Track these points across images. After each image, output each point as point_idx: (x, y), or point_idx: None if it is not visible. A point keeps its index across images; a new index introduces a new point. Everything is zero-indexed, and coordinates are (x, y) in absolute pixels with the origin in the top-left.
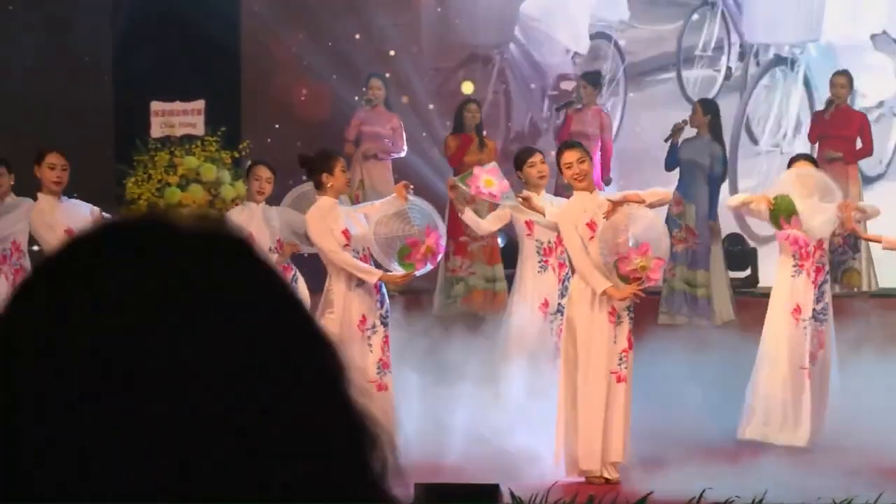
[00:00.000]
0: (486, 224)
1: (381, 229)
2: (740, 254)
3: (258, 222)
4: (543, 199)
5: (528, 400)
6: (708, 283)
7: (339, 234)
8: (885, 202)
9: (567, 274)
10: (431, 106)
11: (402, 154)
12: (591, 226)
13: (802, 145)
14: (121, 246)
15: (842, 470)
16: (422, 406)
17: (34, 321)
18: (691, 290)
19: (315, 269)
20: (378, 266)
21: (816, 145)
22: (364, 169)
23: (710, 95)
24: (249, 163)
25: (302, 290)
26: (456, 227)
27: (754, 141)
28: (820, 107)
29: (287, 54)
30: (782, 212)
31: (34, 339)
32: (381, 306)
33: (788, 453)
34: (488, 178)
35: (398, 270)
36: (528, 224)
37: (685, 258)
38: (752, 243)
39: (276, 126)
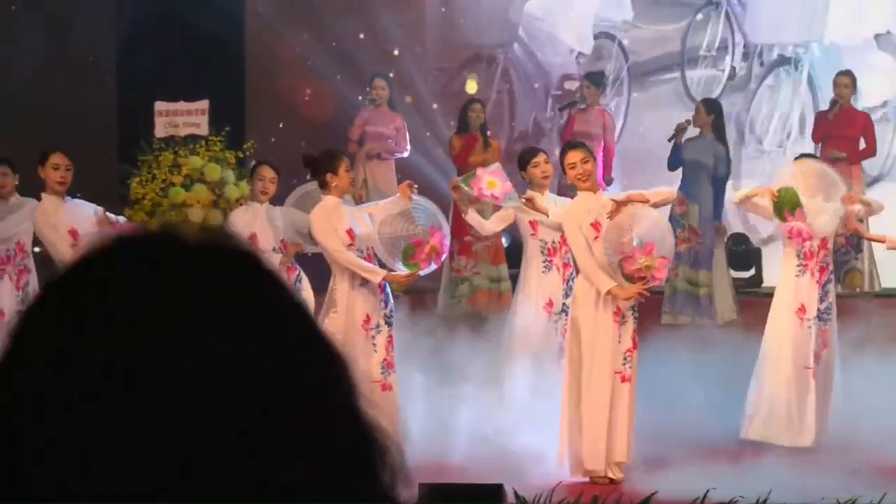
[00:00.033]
0: (489, 225)
1: (386, 229)
2: (744, 254)
3: (262, 222)
4: (547, 199)
5: (532, 400)
6: (710, 283)
7: (344, 233)
8: (887, 202)
9: (571, 274)
10: (435, 105)
11: (406, 154)
12: (596, 226)
13: (806, 146)
14: (133, 260)
15: (845, 470)
16: (426, 406)
17: (47, 333)
18: (693, 289)
19: (319, 268)
20: (382, 266)
21: (820, 145)
22: (367, 169)
23: (714, 95)
24: (253, 163)
25: (306, 289)
26: (460, 227)
27: (758, 141)
28: (824, 107)
29: (291, 54)
30: (786, 204)
31: (46, 351)
32: (385, 306)
33: (792, 453)
34: (491, 180)
35: (402, 270)
36: (532, 224)
37: (688, 258)
38: (756, 243)
39: (280, 125)
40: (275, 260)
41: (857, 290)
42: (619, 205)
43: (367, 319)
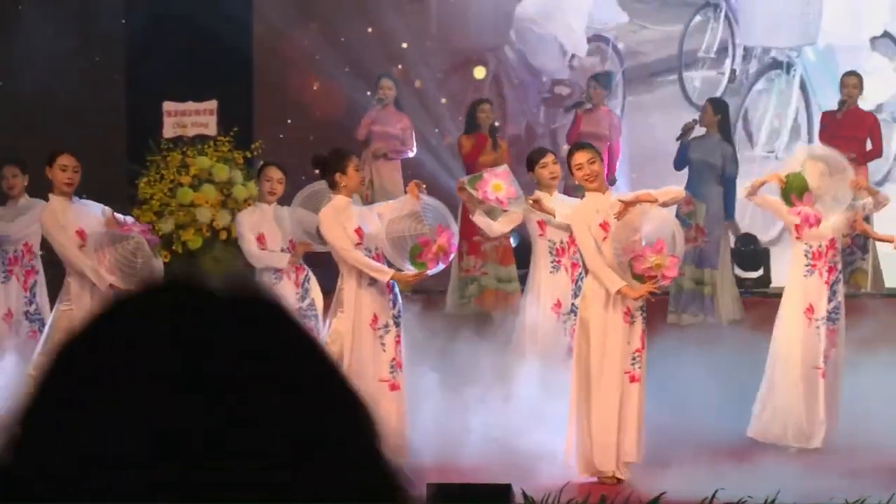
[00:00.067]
0: (497, 226)
1: (393, 228)
2: (752, 254)
3: (270, 223)
4: (556, 199)
5: (540, 400)
6: (714, 282)
7: (353, 232)
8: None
9: (580, 274)
10: (444, 100)
11: (412, 154)
12: (604, 226)
13: None
14: (158, 313)
15: (854, 470)
16: (434, 406)
17: (67, 388)
18: (698, 288)
19: (328, 269)
20: (391, 266)
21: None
22: (374, 168)
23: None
24: (261, 163)
25: (314, 290)
26: (469, 227)
27: (749, 146)
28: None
29: (299, 54)
30: (794, 189)
31: (63, 408)
32: (394, 306)
33: (800, 454)
34: (497, 183)
35: (410, 270)
36: (541, 224)
37: (694, 257)
38: (764, 244)
39: (289, 121)
40: (283, 260)
41: (862, 290)
42: (628, 205)
43: (375, 319)
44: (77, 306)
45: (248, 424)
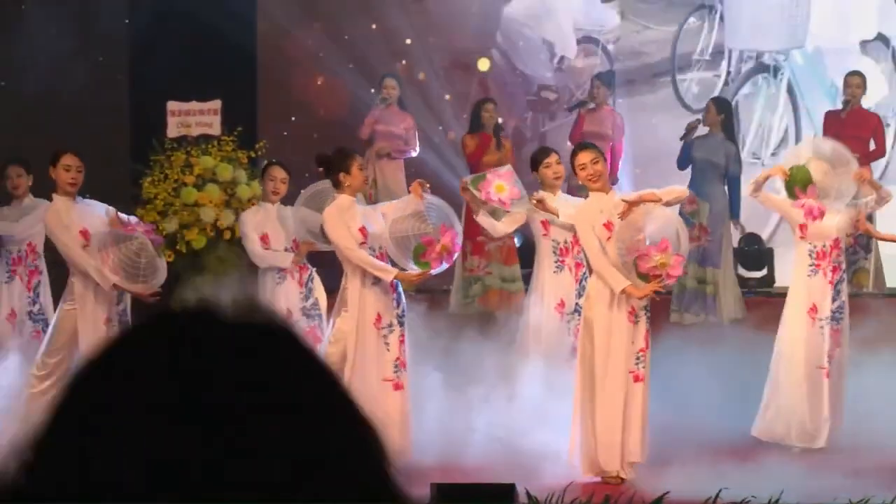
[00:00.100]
0: (501, 226)
1: (396, 228)
2: (757, 254)
3: (273, 223)
4: (560, 199)
5: (544, 400)
6: (717, 281)
7: (357, 231)
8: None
9: (584, 274)
10: (447, 96)
11: (414, 154)
12: (608, 226)
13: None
14: (172, 342)
15: (857, 470)
16: (438, 405)
17: (80, 418)
18: (701, 287)
19: (331, 268)
20: (395, 265)
21: None
22: (377, 168)
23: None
24: (265, 163)
25: (318, 289)
26: (473, 227)
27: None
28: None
29: (303, 53)
30: (797, 182)
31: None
32: (398, 305)
33: (804, 453)
34: (500, 184)
35: (414, 269)
36: (545, 224)
37: (697, 255)
38: (768, 243)
39: (293, 118)
40: (287, 259)
41: (864, 289)
42: (631, 205)
43: (379, 318)
44: (80, 306)
45: (246, 455)
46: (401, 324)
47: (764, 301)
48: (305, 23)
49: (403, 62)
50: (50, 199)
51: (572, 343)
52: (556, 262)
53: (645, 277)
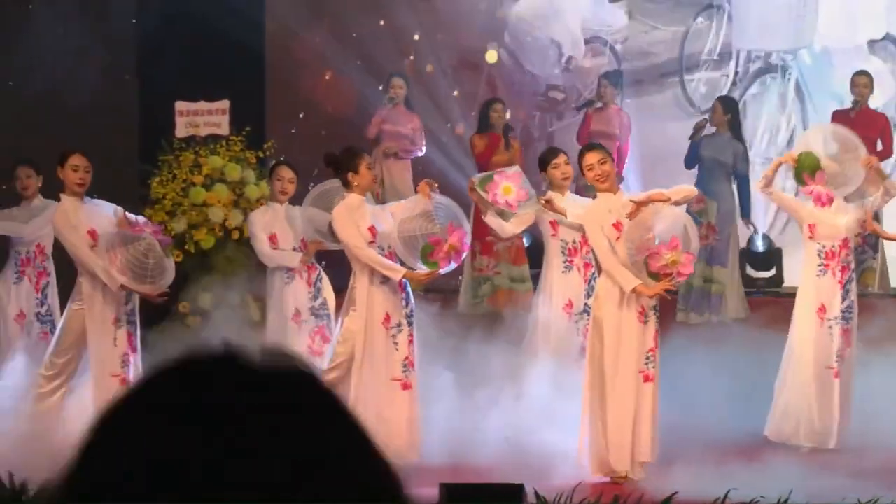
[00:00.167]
0: (509, 227)
1: (404, 227)
2: (765, 253)
3: (282, 222)
4: (568, 199)
5: (553, 400)
6: (723, 280)
7: (366, 230)
8: (888, 207)
9: (593, 274)
10: (455, 93)
11: (421, 153)
12: (617, 226)
13: None
14: (197, 386)
15: (865, 470)
16: (447, 405)
17: (103, 466)
18: (707, 286)
19: (340, 268)
20: (403, 265)
21: None
22: (384, 167)
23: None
24: (273, 163)
25: (326, 288)
26: (482, 227)
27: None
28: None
29: (311, 53)
30: (806, 168)
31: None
32: (406, 305)
33: (812, 453)
34: (507, 185)
35: (423, 269)
36: (553, 224)
37: (704, 254)
38: (777, 243)
39: (301, 115)
40: (295, 259)
41: (869, 289)
42: (640, 205)
43: (388, 318)
44: (89, 306)
45: (246, 455)
46: (409, 323)
47: (772, 301)
48: (313, 22)
49: (411, 58)
50: (58, 200)
51: (580, 343)
52: (564, 262)
53: (656, 276)
